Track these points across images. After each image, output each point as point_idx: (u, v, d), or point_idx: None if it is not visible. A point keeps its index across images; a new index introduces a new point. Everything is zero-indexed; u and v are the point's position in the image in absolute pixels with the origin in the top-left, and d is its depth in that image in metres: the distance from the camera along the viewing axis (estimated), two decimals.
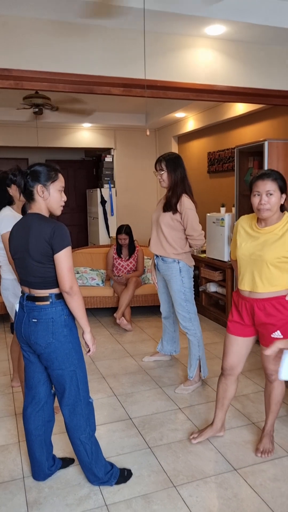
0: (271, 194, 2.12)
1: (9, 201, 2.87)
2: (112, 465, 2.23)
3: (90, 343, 2.05)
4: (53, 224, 1.92)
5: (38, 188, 1.96)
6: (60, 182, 2.03)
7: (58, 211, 2.05)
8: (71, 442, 2.12)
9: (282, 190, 2.15)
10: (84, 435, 2.07)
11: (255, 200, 2.17)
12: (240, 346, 2.38)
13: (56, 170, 2.02)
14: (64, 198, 2.07)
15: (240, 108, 4.85)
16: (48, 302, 1.96)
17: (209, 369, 3.53)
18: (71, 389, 2.03)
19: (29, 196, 1.99)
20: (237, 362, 2.41)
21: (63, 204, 2.07)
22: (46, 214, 2.02)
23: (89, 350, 2.07)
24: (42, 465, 2.21)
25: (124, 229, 4.95)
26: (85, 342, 2.07)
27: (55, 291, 1.97)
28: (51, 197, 1.99)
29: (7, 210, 2.86)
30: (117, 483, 2.19)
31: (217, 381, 3.14)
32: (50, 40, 2.83)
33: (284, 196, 2.17)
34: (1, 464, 2.39)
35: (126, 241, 4.96)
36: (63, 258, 1.89)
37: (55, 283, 1.94)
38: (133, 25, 2.85)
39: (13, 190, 2.83)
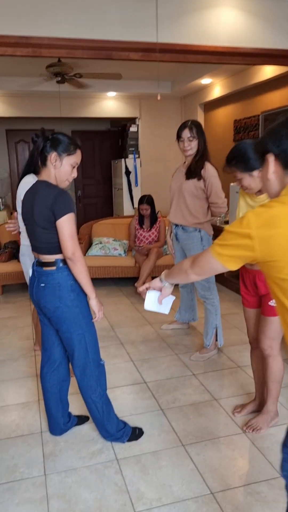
0: (238, 179, 2.14)
1: (35, 170, 2.92)
2: (125, 423, 2.32)
3: (96, 308, 2.09)
4: (55, 191, 1.94)
5: (52, 156, 1.98)
6: (75, 157, 2.04)
7: (63, 184, 2.05)
8: (84, 401, 2.22)
9: (251, 168, 2.08)
10: (95, 395, 2.16)
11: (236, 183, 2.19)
12: (253, 317, 2.41)
13: (76, 144, 2.04)
14: (75, 174, 2.07)
15: (267, 73, 4.66)
16: (54, 268, 2.02)
17: (226, 338, 3.57)
18: (80, 352, 2.10)
19: (42, 160, 2.02)
20: (256, 332, 2.43)
21: (71, 179, 2.08)
22: (54, 183, 2.04)
23: (95, 316, 2.12)
24: (58, 420, 2.33)
25: (146, 199, 4.95)
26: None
27: (60, 256, 2.00)
28: (61, 168, 2.01)
29: (30, 177, 2.91)
30: (129, 440, 2.29)
31: (233, 350, 3.17)
32: (66, 6, 2.79)
33: (258, 171, 2.09)
34: (22, 420, 2.54)
35: (148, 212, 4.97)
36: (65, 224, 1.91)
37: (60, 248, 1.98)
38: None
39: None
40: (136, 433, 2.34)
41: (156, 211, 5.09)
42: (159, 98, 3.18)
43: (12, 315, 4.32)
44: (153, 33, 2.85)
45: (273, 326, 2.26)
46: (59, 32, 2.81)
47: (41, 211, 1.95)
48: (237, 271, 4.46)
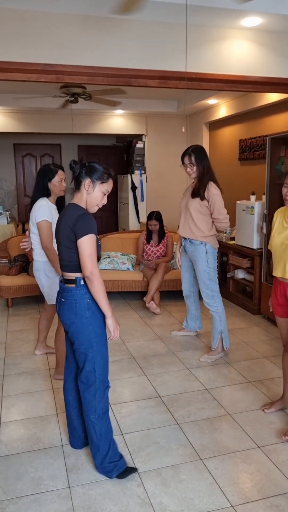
0: None
1: (47, 193, 3.12)
2: (121, 457, 2.24)
3: (111, 328, 2.14)
4: (80, 212, 2.06)
5: (87, 182, 2.11)
6: (107, 185, 2.16)
7: (93, 209, 2.17)
8: (84, 421, 2.24)
9: None
10: (94, 416, 2.16)
11: (283, 191, 2.32)
12: (286, 324, 2.59)
13: (109, 174, 2.17)
14: (105, 201, 2.20)
15: (272, 96, 4.83)
16: (74, 285, 2.12)
17: (235, 353, 3.68)
18: (87, 369, 2.16)
19: (77, 185, 2.15)
20: None
21: (101, 205, 2.20)
22: (84, 206, 2.16)
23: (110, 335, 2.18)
24: (80, 433, 2.41)
25: (155, 215, 5.08)
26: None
27: (80, 275, 2.11)
28: (93, 194, 2.13)
29: (43, 200, 3.13)
30: (118, 477, 2.19)
31: (243, 366, 3.30)
32: (89, 35, 2.94)
33: None
34: (42, 433, 2.62)
35: (157, 227, 5.10)
36: (84, 244, 2.01)
37: (80, 267, 2.08)
38: (171, 18, 2.92)
39: (52, 185, 3.12)
40: (127, 471, 2.22)
41: (164, 227, 5.22)
42: (183, 130, 3.30)
43: (23, 328, 4.40)
44: (172, 63, 3.00)
45: None
46: (81, 61, 2.95)
47: (65, 230, 2.08)
48: (242, 285, 4.63)
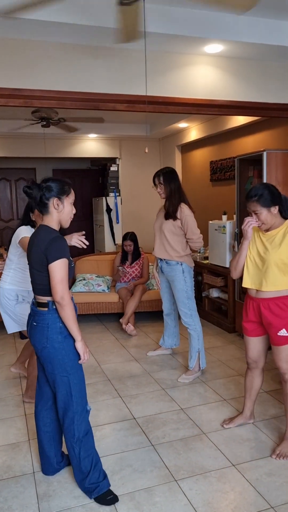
0: (257, 213, 2.36)
1: (31, 224, 3.09)
2: (104, 478, 2.19)
3: (81, 351, 2.11)
4: (51, 236, 2.04)
5: (54, 201, 2.08)
6: (72, 196, 2.17)
7: (67, 223, 2.17)
8: (65, 443, 2.20)
9: (270, 204, 2.34)
10: (73, 439, 2.13)
11: (253, 217, 2.42)
12: (255, 344, 2.62)
13: (69, 184, 2.17)
14: (74, 210, 2.20)
15: (240, 119, 5.00)
16: (46, 309, 2.09)
17: (210, 372, 3.68)
18: (62, 394, 2.12)
19: (43, 209, 2.11)
20: (257, 356, 2.64)
21: (72, 216, 2.20)
22: (56, 227, 2.14)
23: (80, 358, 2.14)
24: (51, 460, 2.35)
25: (129, 236, 5.13)
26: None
27: (52, 299, 2.07)
28: (65, 210, 2.12)
29: (24, 226, 3.08)
30: (97, 499, 2.14)
31: (218, 384, 3.32)
32: (57, 61, 3.01)
33: (275, 208, 2.34)
34: (13, 460, 2.54)
35: (131, 247, 5.13)
36: (55, 269, 1.99)
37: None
38: (135, 45, 3.02)
39: (35, 215, 3.06)
40: (107, 497, 2.15)
41: (139, 248, 5.26)
42: (146, 151, 3.38)
43: None
44: (138, 87, 3.09)
45: (287, 352, 2.44)
46: (50, 85, 3.01)
47: (37, 254, 2.05)
48: (217, 304, 4.69)
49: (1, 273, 3.24)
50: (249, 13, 2.93)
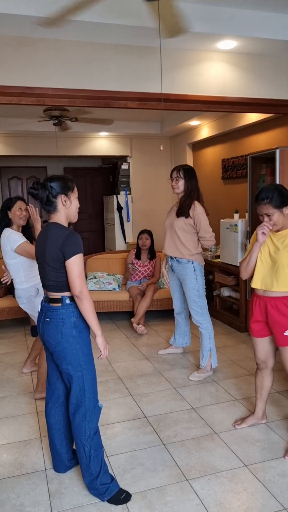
0: (269, 215, 2.34)
1: (7, 223, 3.15)
2: (112, 479, 2.19)
3: (101, 346, 2.14)
4: (66, 232, 2.06)
5: (62, 198, 2.11)
6: (76, 190, 2.21)
7: (76, 217, 2.21)
8: (74, 442, 2.20)
9: (281, 205, 2.32)
10: (84, 437, 2.12)
11: (261, 219, 2.40)
12: (263, 345, 2.60)
13: (71, 180, 2.19)
14: (78, 204, 2.23)
15: (252, 116, 4.95)
16: (60, 304, 2.11)
17: (222, 371, 3.66)
18: (76, 389, 2.13)
19: (51, 207, 2.13)
20: (266, 357, 2.63)
21: (78, 210, 2.24)
22: (65, 223, 2.16)
23: (100, 354, 2.17)
24: (63, 457, 2.35)
25: (147, 231, 5.16)
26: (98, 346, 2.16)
27: (66, 294, 2.10)
28: (72, 206, 2.16)
29: (7, 230, 3.15)
30: (110, 500, 2.12)
31: (230, 384, 3.31)
32: (69, 58, 3.01)
33: (287, 208, 2.32)
34: (25, 457, 2.55)
35: (148, 241, 5.12)
36: (73, 264, 2.02)
37: (66, 287, 2.07)
38: (147, 42, 3.00)
39: (12, 214, 3.15)
40: (121, 497, 2.14)
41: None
42: (161, 148, 3.36)
43: (8, 351, 4.33)
44: (150, 84, 3.07)
45: None
46: (61, 84, 3.01)
47: (52, 251, 2.06)
48: (228, 303, 4.67)
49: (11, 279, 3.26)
50: (263, 8, 2.90)
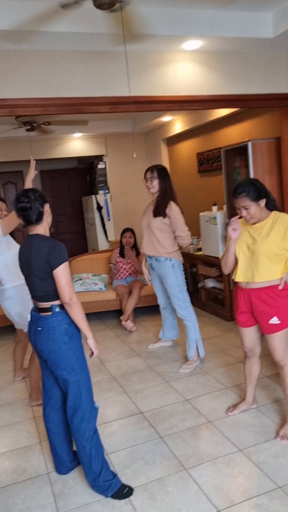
0: (247, 208, 2.43)
1: None
2: (114, 475, 2.27)
3: (93, 347, 2.23)
4: (50, 243, 2.13)
5: (47, 207, 2.21)
6: None
7: (50, 224, 2.28)
8: (75, 443, 2.27)
9: (258, 198, 2.42)
10: (84, 438, 2.19)
11: (238, 213, 2.50)
12: (250, 334, 2.71)
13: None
14: None
15: (223, 110, 5.04)
16: (50, 313, 2.17)
17: (212, 361, 3.77)
18: (72, 394, 2.20)
19: (40, 218, 2.18)
20: (253, 345, 2.74)
21: None
22: (47, 233, 2.23)
23: (92, 353, 2.25)
24: (64, 459, 2.43)
25: (130, 229, 5.27)
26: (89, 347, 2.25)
27: (55, 302, 2.17)
28: (50, 214, 2.26)
29: None
30: (114, 496, 2.20)
31: (220, 372, 3.42)
32: (39, 68, 3.04)
33: (263, 201, 2.41)
34: (27, 463, 2.61)
35: (132, 239, 5.20)
36: (61, 274, 2.08)
37: (55, 295, 2.14)
38: (114, 47, 3.05)
39: None
40: (123, 492, 2.23)
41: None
42: (134, 156, 3.42)
43: (0, 359, 4.36)
44: (121, 88, 3.13)
45: (280, 339, 2.54)
46: (33, 93, 3.03)
47: (39, 263, 2.12)
48: (213, 294, 4.77)
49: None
50: (225, 7, 2.97)
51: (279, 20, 3.09)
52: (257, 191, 2.42)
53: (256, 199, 2.42)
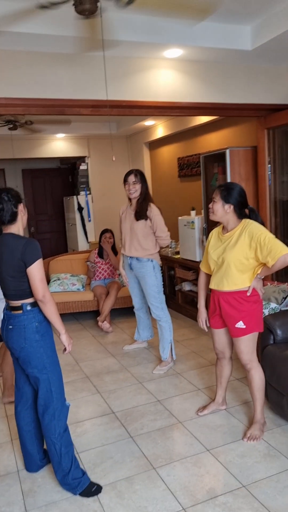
0: (214, 201, 2.54)
1: None
2: (83, 473, 2.30)
3: (66, 343, 2.27)
4: (24, 241, 2.15)
5: (21, 207, 2.22)
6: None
7: (25, 224, 2.31)
8: (45, 440, 2.30)
9: (225, 200, 2.51)
10: (54, 436, 2.22)
11: (210, 205, 2.61)
12: (220, 335, 2.80)
13: (16, 190, 2.28)
14: None
15: (203, 117, 5.13)
16: (21, 311, 2.20)
17: (185, 363, 3.85)
18: (43, 391, 2.23)
19: (14, 218, 2.20)
20: (223, 347, 2.82)
21: None
22: (21, 232, 2.25)
23: (65, 349, 2.29)
24: (34, 457, 2.45)
25: (109, 230, 5.32)
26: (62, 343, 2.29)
27: (26, 301, 2.19)
28: (25, 213, 2.28)
29: None
30: (82, 493, 2.24)
31: (192, 374, 3.49)
32: (21, 68, 3.05)
33: (229, 205, 2.50)
34: None
35: (111, 240, 5.24)
36: (35, 270, 2.11)
37: (26, 294, 2.17)
38: (96, 51, 3.09)
39: None
40: (92, 490, 2.26)
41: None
42: (114, 159, 3.46)
43: None
44: (102, 92, 3.17)
45: (246, 343, 2.61)
46: (15, 93, 3.05)
47: (12, 262, 2.13)
48: (190, 297, 4.85)
49: None
50: (207, 19, 3.05)
51: (257, 34, 3.19)
52: (229, 195, 2.50)
53: (224, 199, 2.51)
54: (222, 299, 2.61)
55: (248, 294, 2.55)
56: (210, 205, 2.57)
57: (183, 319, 5.15)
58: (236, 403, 3.10)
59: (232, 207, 2.51)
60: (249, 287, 2.54)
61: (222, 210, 2.52)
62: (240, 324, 2.56)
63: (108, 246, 5.23)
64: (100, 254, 5.32)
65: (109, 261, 5.29)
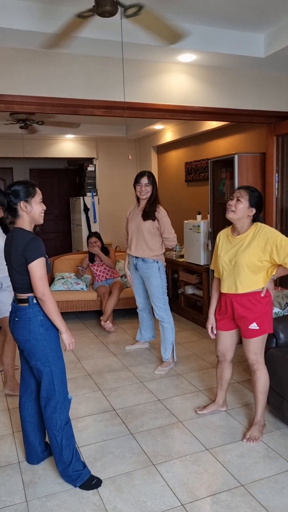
0: (239, 200, 2.53)
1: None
2: (84, 466, 2.33)
3: (66, 342, 2.28)
4: (28, 237, 2.17)
5: (21, 204, 2.21)
6: (38, 195, 2.29)
7: (41, 220, 2.30)
8: (47, 432, 2.34)
9: (252, 203, 2.53)
10: (55, 428, 2.25)
11: (229, 203, 2.60)
12: (225, 338, 2.81)
13: (33, 185, 2.28)
14: (44, 207, 2.33)
15: (213, 123, 5.19)
16: (27, 304, 2.23)
17: (186, 365, 3.88)
18: (45, 384, 2.26)
19: (13, 213, 2.24)
20: (225, 350, 2.83)
21: (43, 212, 2.33)
22: (29, 227, 2.26)
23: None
24: (36, 449, 2.48)
25: (94, 234, 5.36)
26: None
27: (32, 294, 2.22)
28: (34, 210, 2.25)
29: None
30: (82, 486, 2.27)
31: (193, 376, 3.52)
32: (38, 67, 3.12)
33: (252, 209, 2.53)
34: None
35: (98, 243, 5.25)
36: (35, 268, 2.13)
37: (31, 288, 2.20)
38: (113, 54, 3.16)
39: None
40: (92, 483, 2.29)
41: (115, 246, 5.40)
42: (130, 157, 3.52)
43: None
44: (116, 93, 3.23)
45: (256, 344, 2.64)
46: (30, 91, 3.11)
47: (16, 256, 2.18)
48: (192, 301, 4.90)
49: None
50: (221, 25, 3.11)
51: (270, 42, 3.25)
52: (257, 201, 2.55)
53: (251, 202, 2.53)
54: (236, 301, 2.63)
55: (262, 294, 2.58)
56: (232, 203, 2.54)
57: (185, 322, 5.18)
58: (237, 405, 3.12)
59: (254, 211, 2.55)
60: (262, 288, 2.57)
61: (244, 212, 2.54)
62: (254, 326, 2.59)
63: (97, 249, 5.24)
64: (91, 260, 5.36)
65: (103, 263, 5.32)
